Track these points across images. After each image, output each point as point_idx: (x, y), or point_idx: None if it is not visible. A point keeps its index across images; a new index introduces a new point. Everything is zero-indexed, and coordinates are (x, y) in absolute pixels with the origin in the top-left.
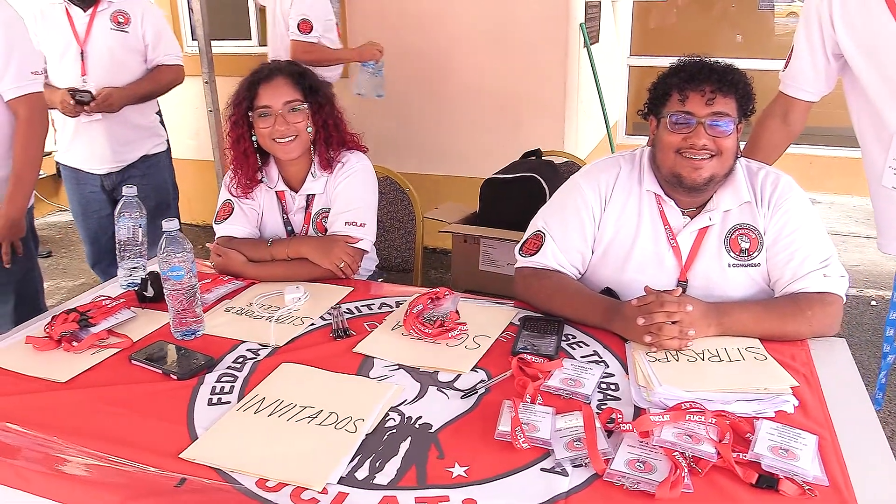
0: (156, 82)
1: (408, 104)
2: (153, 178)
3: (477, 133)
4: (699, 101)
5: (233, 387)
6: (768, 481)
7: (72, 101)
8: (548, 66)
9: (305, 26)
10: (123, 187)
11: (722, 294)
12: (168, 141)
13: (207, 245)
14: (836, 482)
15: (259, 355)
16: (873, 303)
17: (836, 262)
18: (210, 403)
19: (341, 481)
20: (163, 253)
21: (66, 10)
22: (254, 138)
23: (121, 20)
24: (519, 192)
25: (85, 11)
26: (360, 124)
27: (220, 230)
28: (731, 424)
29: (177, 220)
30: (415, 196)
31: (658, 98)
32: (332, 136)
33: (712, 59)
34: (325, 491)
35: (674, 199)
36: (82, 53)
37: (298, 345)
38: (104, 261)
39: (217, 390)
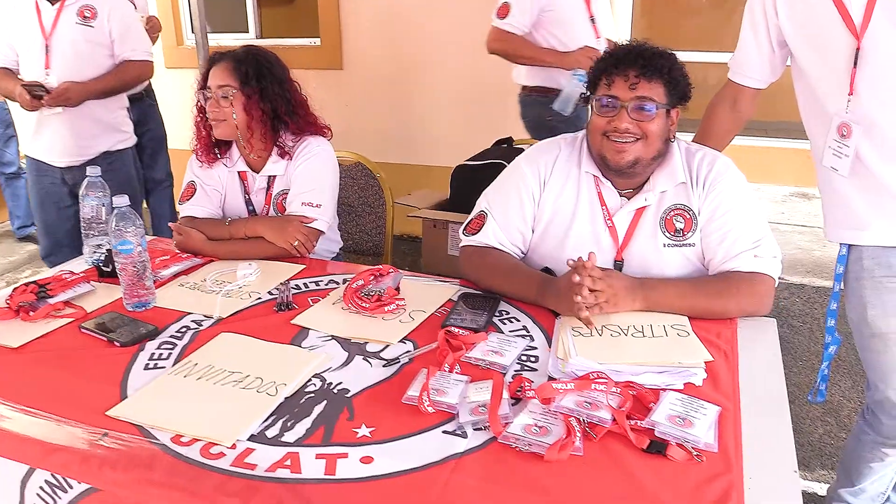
0: (119, 78)
1: (392, 96)
2: (117, 174)
3: (461, 124)
4: (623, 85)
5: (170, 353)
6: (657, 447)
7: (27, 96)
8: None
9: (503, 10)
10: (88, 167)
11: (658, 274)
12: (167, 132)
13: (170, 225)
14: (727, 450)
15: (202, 325)
16: None
17: (769, 243)
18: (146, 368)
19: (251, 438)
20: (114, 228)
21: (36, 2)
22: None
23: (87, 14)
24: (488, 178)
25: (53, 5)
26: (342, 116)
27: (183, 210)
28: (637, 395)
29: (127, 197)
30: (385, 182)
31: (591, 83)
32: (289, 124)
33: (645, 45)
34: (233, 447)
35: (610, 181)
36: (47, 47)
37: (241, 317)
38: (57, 254)
39: (155, 356)
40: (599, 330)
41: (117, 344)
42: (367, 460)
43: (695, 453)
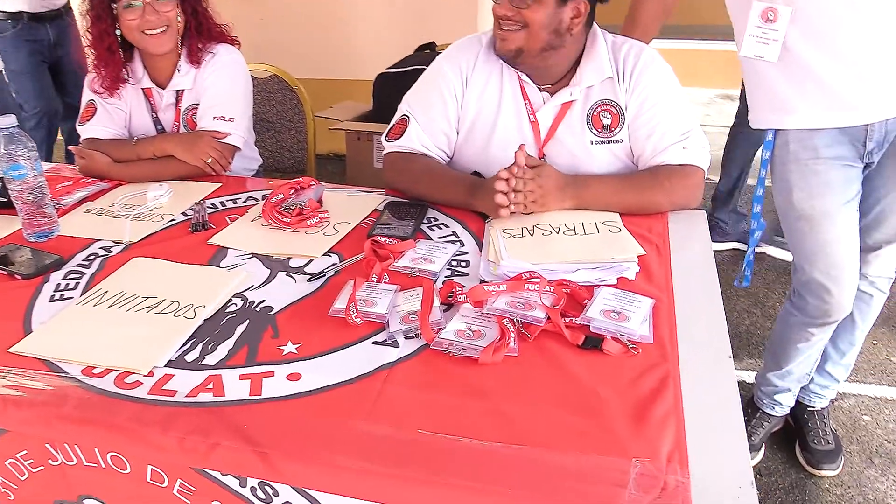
0: None
1: (309, 6)
2: None
3: (382, 33)
4: None
5: (78, 283)
6: (593, 342)
7: None
8: None
9: None
10: None
11: (587, 172)
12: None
13: (70, 148)
14: (662, 341)
15: (111, 252)
16: None
17: (697, 135)
18: (52, 300)
19: (169, 364)
20: (3, 152)
21: None
22: (118, 32)
23: None
24: (412, 86)
25: None
26: (257, 29)
27: (84, 132)
28: (571, 292)
29: (14, 117)
30: (304, 94)
31: None
32: (202, 24)
33: None
34: (151, 374)
35: (529, 76)
36: None
37: (153, 240)
38: None
39: (61, 287)
40: (530, 230)
41: (18, 277)
42: (294, 377)
43: (630, 346)
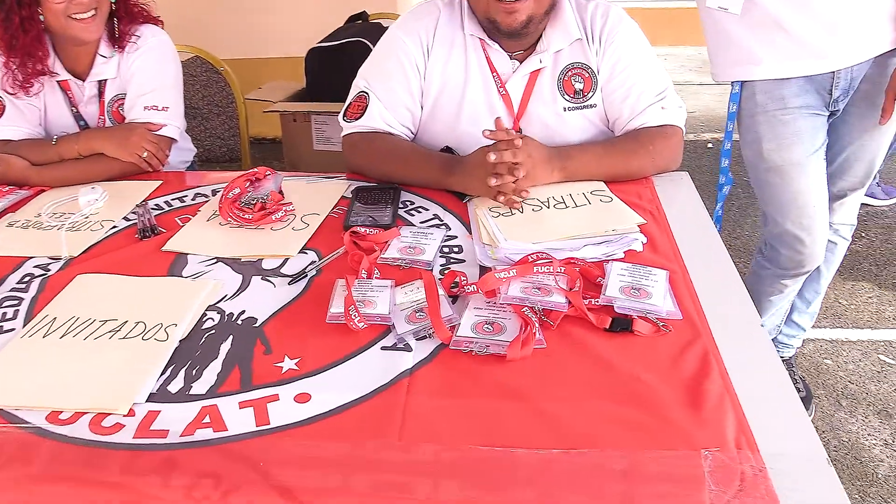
0: None
1: None
2: None
3: (310, 6)
4: None
5: (17, 311)
6: (622, 324)
7: None
8: None
9: None
10: None
11: (562, 141)
12: None
13: None
14: (690, 315)
15: (50, 270)
16: (710, 145)
17: (673, 93)
18: None
19: (151, 399)
20: None
21: None
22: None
23: None
24: (347, 60)
25: None
26: (170, 6)
27: None
28: (581, 271)
29: None
30: (231, 76)
31: None
32: (126, 5)
33: None
34: (131, 413)
35: (498, 43)
36: None
37: (97, 252)
38: None
39: None
40: (520, 207)
41: None
42: (302, 398)
43: (660, 324)
